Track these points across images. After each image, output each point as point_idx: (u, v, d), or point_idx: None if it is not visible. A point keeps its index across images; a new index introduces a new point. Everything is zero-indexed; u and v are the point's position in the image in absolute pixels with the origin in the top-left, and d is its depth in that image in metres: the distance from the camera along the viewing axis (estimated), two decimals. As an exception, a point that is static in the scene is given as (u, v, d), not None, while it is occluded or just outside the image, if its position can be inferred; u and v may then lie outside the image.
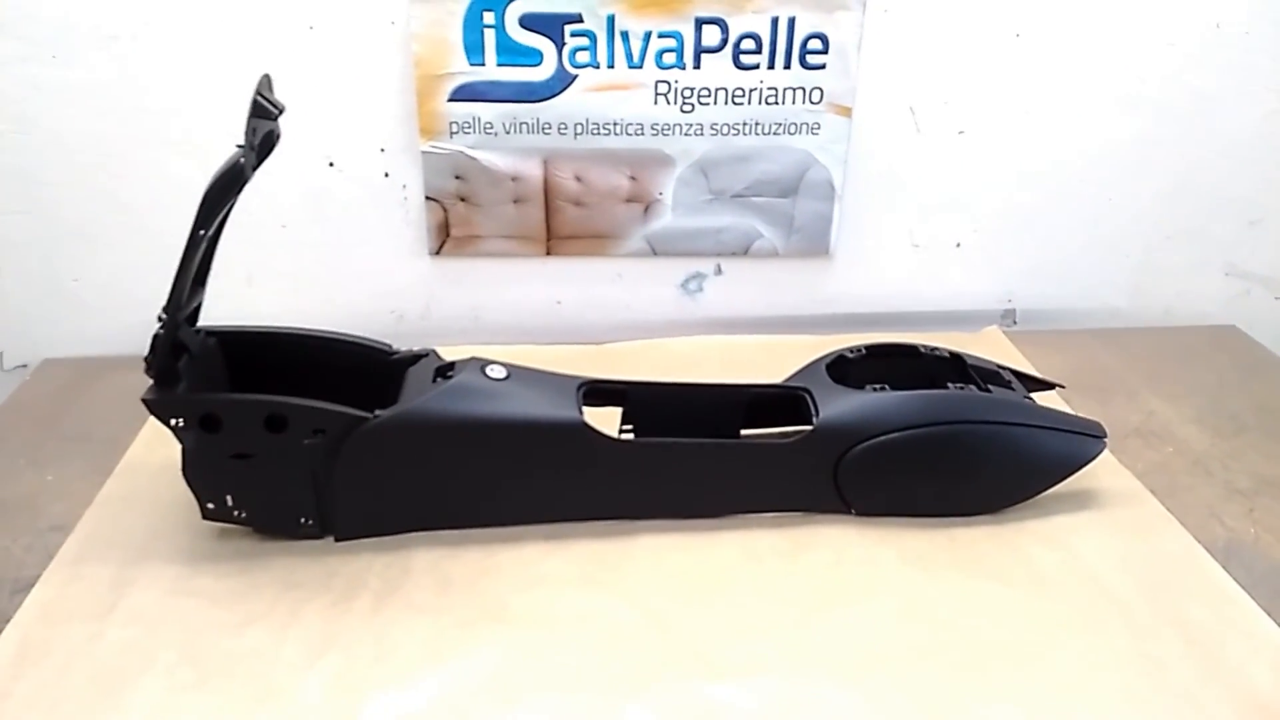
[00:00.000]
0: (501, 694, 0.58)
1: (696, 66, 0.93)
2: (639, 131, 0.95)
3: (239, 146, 0.60)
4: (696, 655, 0.61)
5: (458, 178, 0.96)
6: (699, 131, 0.96)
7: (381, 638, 0.62)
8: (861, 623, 0.64)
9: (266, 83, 0.63)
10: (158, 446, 0.75)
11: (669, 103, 0.95)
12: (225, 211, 0.62)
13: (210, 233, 0.61)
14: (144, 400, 0.64)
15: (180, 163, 0.91)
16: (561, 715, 0.57)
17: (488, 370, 0.70)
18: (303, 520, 0.69)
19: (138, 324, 0.63)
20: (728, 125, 0.96)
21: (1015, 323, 1.11)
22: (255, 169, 0.62)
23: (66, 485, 0.76)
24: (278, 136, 0.65)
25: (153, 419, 0.65)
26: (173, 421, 0.65)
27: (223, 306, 0.72)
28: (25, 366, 0.98)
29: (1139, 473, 0.80)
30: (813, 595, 0.66)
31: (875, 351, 0.79)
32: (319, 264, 0.99)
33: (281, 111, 0.63)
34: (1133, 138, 1.03)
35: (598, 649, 0.61)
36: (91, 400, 0.88)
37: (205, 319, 0.70)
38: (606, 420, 0.72)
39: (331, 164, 0.95)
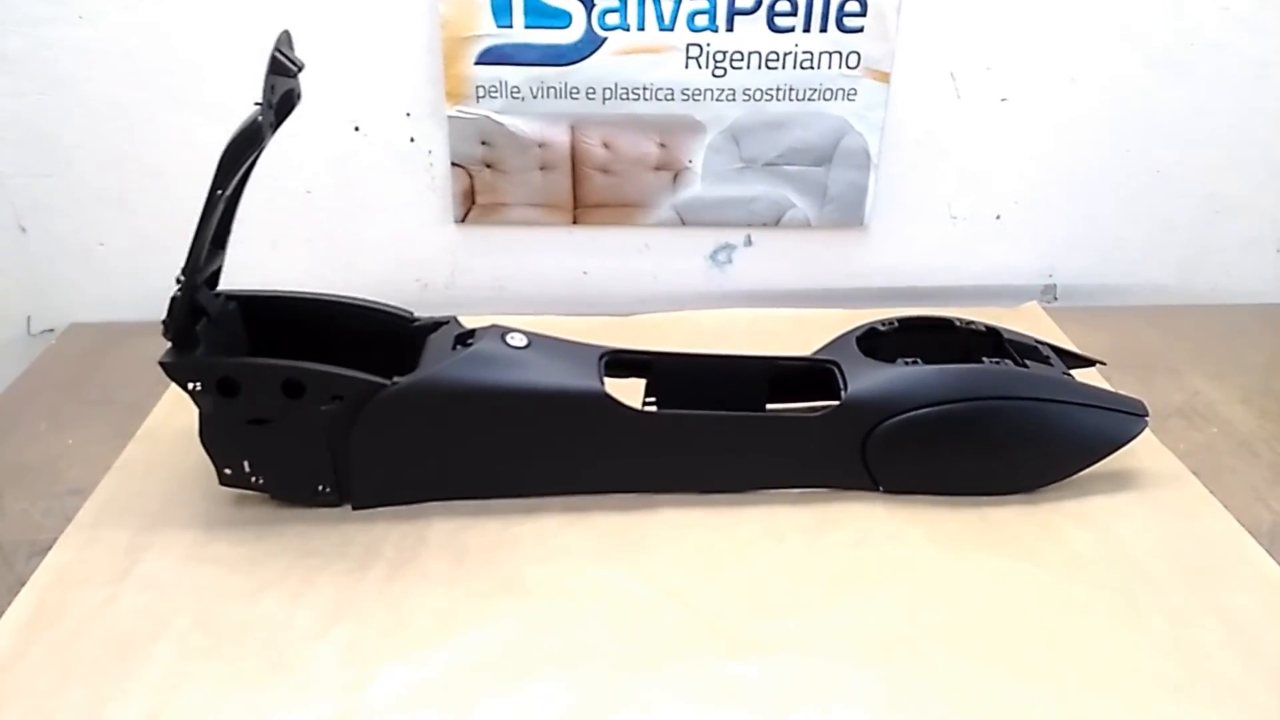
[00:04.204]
0: (515, 667, 0.57)
1: (729, 29, 0.91)
2: (669, 96, 0.93)
3: (256, 104, 0.59)
4: (715, 632, 0.60)
5: (484, 143, 0.94)
6: (731, 97, 0.94)
7: (395, 607, 0.61)
8: (887, 603, 0.62)
9: (286, 39, 0.61)
10: (179, 412, 0.75)
11: (700, 67, 0.92)
12: (244, 172, 0.61)
13: (228, 193, 0.60)
14: (161, 363, 0.64)
15: (207, 126, 0.88)
16: (576, 690, 0.56)
17: (508, 338, 0.69)
18: (320, 488, 0.68)
19: (165, 289, 0.63)
20: (761, 90, 0.94)
21: (1056, 299, 1.08)
22: (275, 128, 0.61)
23: (87, 449, 0.76)
24: (298, 95, 0.63)
25: (175, 384, 0.65)
26: (190, 385, 0.64)
27: (247, 272, 0.71)
28: (52, 331, 0.98)
29: (1181, 453, 0.77)
30: (836, 574, 0.65)
31: (908, 324, 0.77)
32: (343, 230, 0.98)
33: (301, 69, 0.62)
34: (1182, 107, 0.99)
35: (614, 624, 0.60)
36: (116, 365, 0.88)
37: (229, 284, 0.69)
38: (631, 392, 0.71)
39: (357, 128, 0.94)
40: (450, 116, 0.93)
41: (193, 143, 0.91)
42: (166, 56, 0.89)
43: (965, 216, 1.03)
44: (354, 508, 0.69)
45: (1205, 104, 0.99)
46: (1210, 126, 1.00)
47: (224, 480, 0.67)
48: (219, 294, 0.69)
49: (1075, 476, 0.72)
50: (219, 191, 0.59)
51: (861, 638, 0.59)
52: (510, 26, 0.89)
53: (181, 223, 0.62)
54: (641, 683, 0.56)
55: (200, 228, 0.61)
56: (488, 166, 0.96)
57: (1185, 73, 0.97)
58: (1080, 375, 0.76)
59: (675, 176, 0.98)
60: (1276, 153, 1.02)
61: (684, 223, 1.00)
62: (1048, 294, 1.08)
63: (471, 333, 0.70)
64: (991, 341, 0.76)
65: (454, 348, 0.69)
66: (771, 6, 0.90)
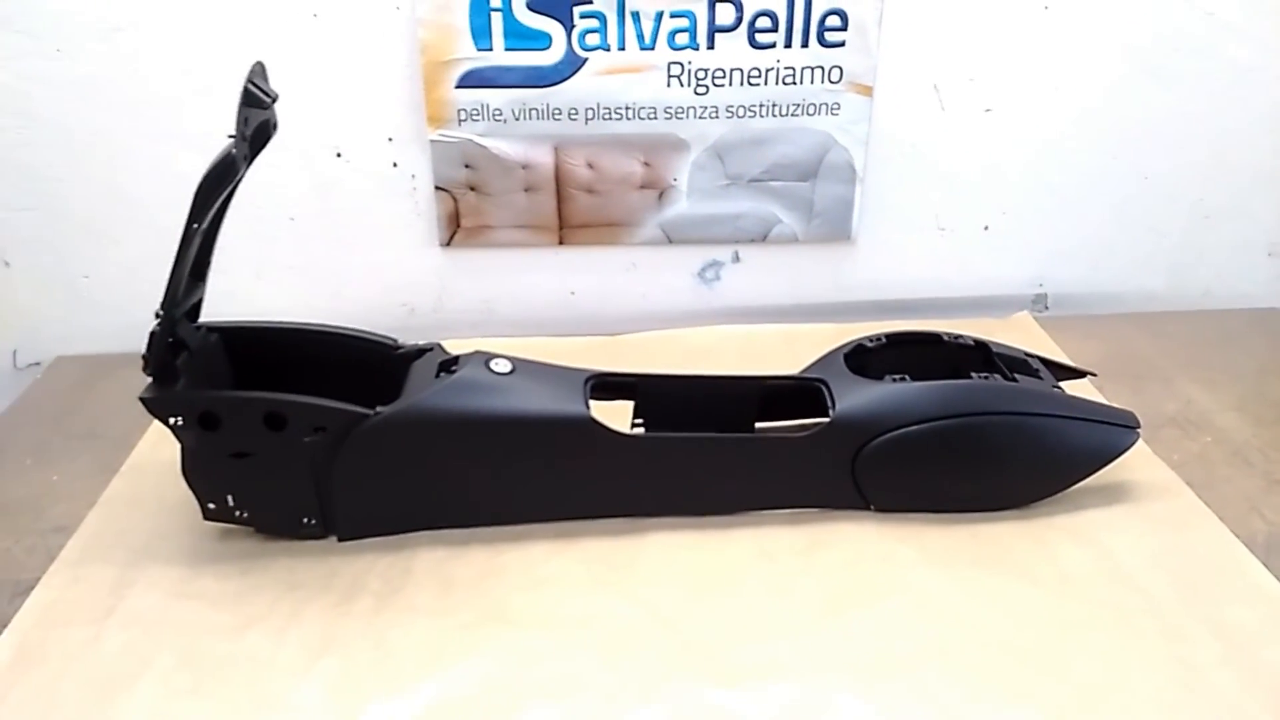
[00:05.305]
0: (503, 700, 0.56)
1: (710, 47, 0.91)
2: (652, 115, 0.93)
3: (230, 137, 0.58)
4: (707, 659, 0.59)
5: (467, 166, 0.94)
6: (714, 114, 0.93)
7: (381, 640, 0.60)
8: (880, 624, 0.61)
9: (260, 70, 0.61)
10: (164, 445, 0.73)
11: (682, 85, 0.92)
12: (220, 204, 0.61)
13: (204, 226, 0.60)
14: (141, 399, 0.63)
15: (188, 156, 0.86)
16: (565, 722, 0.55)
17: (492, 364, 0.68)
18: (305, 520, 0.67)
19: (150, 320, 0.62)
20: (744, 107, 0.93)
21: (1047, 308, 1.08)
22: (250, 160, 0.61)
23: (72, 485, 0.75)
24: (274, 126, 0.63)
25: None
26: (171, 420, 0.64)
27: (232, 301, 0.70)
28: (38, 364, 0.97)
29: (1175, 464, 0.76)
30: (829, 595, 0.64)
31: (895, 340, 0.76)
32: (328, 257, 0.98)
33: (275, 100, 0.62)
34: (1168, 113, 0.99)
35: (604, 652, 0.59)
36: (101, 398, 0.87)
37: (216, 314, 0.69)
38: (620, 415, 0.70)
39: (339, 155, 0.93)
40: (432, 140, 0.93)
41: (175, 173, 0.88)
42: (145, 88, 0.89)
43: (953, 228, 1.03)
44: (339, 539, 0.68)
45: (1191, 109, 0.99)
46: (1197, 131, 1.00)
47: (208, 515, 0.67)
48: (200, 326, 0.68)
49: (1068, 491, 0.72)
50: (195, 225, 0.59)
51: (854, 661, 0.59)
52: (490, 49, 0.89)
53: (166, 253, 0.62)
54: (632, 713, 0.55)
55: (177, 261, 0.60)
56: (472, 189, 0.95)
57: (1170, 78, 0.97)
58: (1071, 387, 0.75)
59: (661, 195, 0.97)
60: (1264, 156, 1.02)
61: (671, 241, 1.00)
62: (1038, 304, 1.08)
63: (455, 359, 0.70)
64: (980, 355, 0.75)
65: (437, 375, 0.68)
66: (752, 23, 0.90)
